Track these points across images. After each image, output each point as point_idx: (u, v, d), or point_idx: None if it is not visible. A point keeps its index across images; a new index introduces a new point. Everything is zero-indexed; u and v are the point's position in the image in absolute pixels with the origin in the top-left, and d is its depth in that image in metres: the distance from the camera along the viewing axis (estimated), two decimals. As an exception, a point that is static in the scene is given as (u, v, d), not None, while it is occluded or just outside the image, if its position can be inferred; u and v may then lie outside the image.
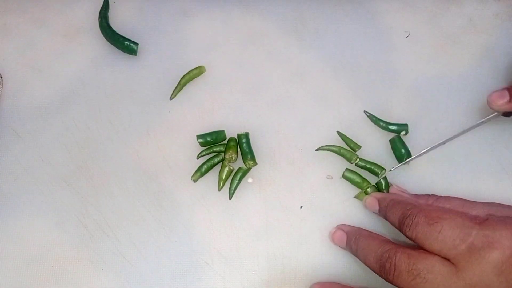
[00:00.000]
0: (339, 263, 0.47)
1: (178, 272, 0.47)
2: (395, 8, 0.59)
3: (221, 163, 0.50)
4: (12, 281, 0.47)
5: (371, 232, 0.46)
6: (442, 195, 0.46)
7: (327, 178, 0.50)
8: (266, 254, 0.48)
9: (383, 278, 0.40)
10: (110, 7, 0.59)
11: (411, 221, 0.40)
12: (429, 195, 0.46)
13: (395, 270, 0.39)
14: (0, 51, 0.56)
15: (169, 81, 0.55)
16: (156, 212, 0.49)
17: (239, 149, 0.51)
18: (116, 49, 0.56)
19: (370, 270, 0.45)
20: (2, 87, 0.54)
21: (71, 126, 0.53)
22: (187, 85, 0.55)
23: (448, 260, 0.38)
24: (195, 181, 0.50)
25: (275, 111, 0.53)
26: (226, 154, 0.50)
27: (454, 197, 0.44)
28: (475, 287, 0.36)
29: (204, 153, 0.51)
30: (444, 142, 0.50)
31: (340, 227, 0.47)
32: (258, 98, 0.54)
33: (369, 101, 0.54)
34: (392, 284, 0.40)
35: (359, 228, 0.47)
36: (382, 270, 0.40)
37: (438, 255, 0.38)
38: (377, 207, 0.46)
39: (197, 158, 0.50)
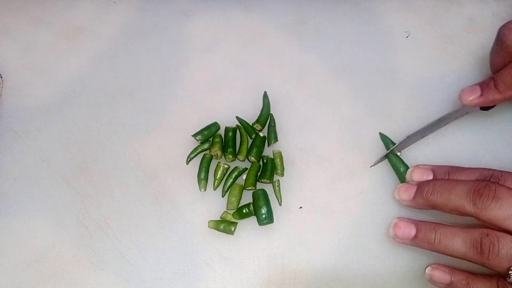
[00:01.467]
0: (339, 263, 0.47)
1: (178, 272, 0.47)
2: (395, 8, 0.59)
3: (217, 162, 0.50)
4: (12, 281, 0.47)
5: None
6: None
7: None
8: (266, 254, 0.48)
9: (474, 260, 0.40)
10: (110, 7, 0.59)
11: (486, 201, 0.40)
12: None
13: (493, 249, 0.39)
14: (0, 51, 0.56)
15: (170, 81, 0.55)
16: (156, 212, 0.49)
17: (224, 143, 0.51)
18: (116, 49, 0.56)
19: (371, 270, 0.45)
20: (2, 87, 0.54)
21: (71, 126, 0.53)
22: (188, 85, 0.55)
23: None
24: (204, 189, 0.50)
25: (275, 111, 0.53)
26: (211, 151, 0.50)
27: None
28: None
29: (192, 155, 0.51)
30: (422, 134, 0.51)
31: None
32: (258, 98, 0.54)
33: (369, 101, 0.54)
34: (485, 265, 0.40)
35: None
36: (478, 250, 0.40)
37: None
38: (413, 193, 0.45)
39: (187, 163, 0.51)
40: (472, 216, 0.41)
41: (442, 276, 0.43)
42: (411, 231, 0.43)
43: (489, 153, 0.51)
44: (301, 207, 0.49)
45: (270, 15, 0.58)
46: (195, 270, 0.47)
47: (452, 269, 0.43)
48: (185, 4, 0.59)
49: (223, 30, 0.58)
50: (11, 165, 0.51)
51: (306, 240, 0.48)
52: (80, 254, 0.48)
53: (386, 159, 0.51)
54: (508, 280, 0.39)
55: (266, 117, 0.52)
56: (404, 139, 0.50)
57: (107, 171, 0.51)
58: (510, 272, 0.38)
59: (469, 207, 0.40)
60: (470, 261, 0.40)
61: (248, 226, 0.49)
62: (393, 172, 0.50)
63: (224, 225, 0.47)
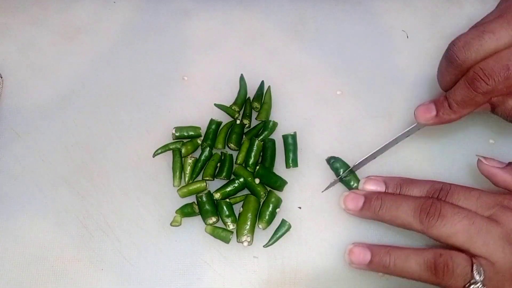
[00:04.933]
0: (339, 263, 0.47)
1: (178, 272, 0.47)
2: (395, 8, 0.59)
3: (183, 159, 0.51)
4: (12, 281, 0.47)
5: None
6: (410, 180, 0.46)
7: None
8: (266, 254, 0.48)
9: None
10: (110, 7, 0.59)
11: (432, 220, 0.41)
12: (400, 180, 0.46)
13: (447, 269, 0.40)
14: (0, 51, 0.56)
15: (170, 81, 0.55)
16: (156, 212, 0.49)
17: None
18: (116, 49, 0.56)
19: (370, 271, 0.45)
20: (2, 87, 0.54)
21: (71, 126, 0.53)
22: (188, 84, 0.55)
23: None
24: (179, 185, 0.50)
25: (275, 111, 0.53)
26: (183, 147, 0.50)
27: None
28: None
29: (160, 151, 0.51)
30: (375, 156, 0.50)
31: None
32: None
33: (369, 101, 0.54)
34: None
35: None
36: (432, 272, 0.40)
37: None
38: (360, 205, 0.45)
39: (153, 157, 0.51)
40: (419, 232, 0.42)
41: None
42: (366, 256, 0.43)
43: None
44: (300, 207, 0.49)
45: (270, 15, 0.58)
46: (195, 270, 0.47)
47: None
48: (185, 4, 0.59)
49: (223, 30, 0.58)
50: (11, 165, 0.51)
51: (306, 240, 0.48)
52: (80, 254, 0.48)
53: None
54: None
55: (243, 99, 0.53)
56: (357, 164, 0.49)
57: (107, 171, 0.51)
58: None
59: (416, 225, 0.41)
60: (426, 282, 0.41)
61: (248, 226, 0.49)
62: (394, 172, 0.50)
63: (220, 232, 0.47)
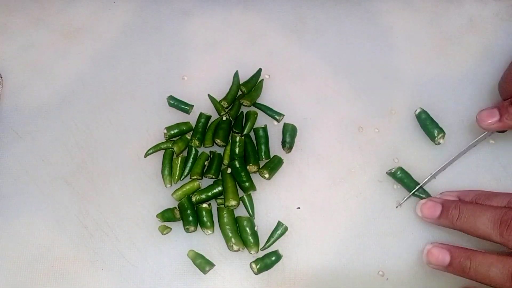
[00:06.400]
0: (339, 263, 0.47)
1: (178, 272, 0.47)
2: (395, 8, 0.59)
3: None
4: (12, 281, 0.47)
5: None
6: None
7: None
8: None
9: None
10: (110, 7, 0.59)
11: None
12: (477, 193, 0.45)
13: None
14: (0, 51, 0.56)
15: (169, 81, 0.55)
16: (156, 212, 0.49)
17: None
18: (116, 49, 0.56)
19: (370, 271, 0.45)
20: (2, 87, 0.54)
21: (71, 126, 0.53)
22: (187, 84, 0.55)
23: None
24: (170, 185, 0.50)
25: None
26: (174, 146, 0.50)
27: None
28: None
29: (151, 151, 0.51)
30: (444, 168, 0.49)
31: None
32: (257, 99, 0.54)
33: (369, 101, 0.54)
34: None
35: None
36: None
37: None
38: (437, 213, 0.43)
39: (145, 157, 0.51)
40: (499, 244, 0.40)
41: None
42: (445, 258, 0.42)
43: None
44: (299, 208, 0.49)
45: (270, 15, 0.58)
46: (195, 270, 0.47)
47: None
48: (185, 4, 0.59)
49: (223, 30, 0.58)
50: (11, 165, 0.51)
51: (306, 240, 0.48)
52: (80, 254, 0.48)
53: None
54: None
55: (234, 95, 0.53)
56: (429, 178, 0.49)
57: (107, 171, 0.51)
58: None
59: (495, 237, 0.40)
60: None
61: (248, 226, 0.49)
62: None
63: (200, 261, 0.46)
